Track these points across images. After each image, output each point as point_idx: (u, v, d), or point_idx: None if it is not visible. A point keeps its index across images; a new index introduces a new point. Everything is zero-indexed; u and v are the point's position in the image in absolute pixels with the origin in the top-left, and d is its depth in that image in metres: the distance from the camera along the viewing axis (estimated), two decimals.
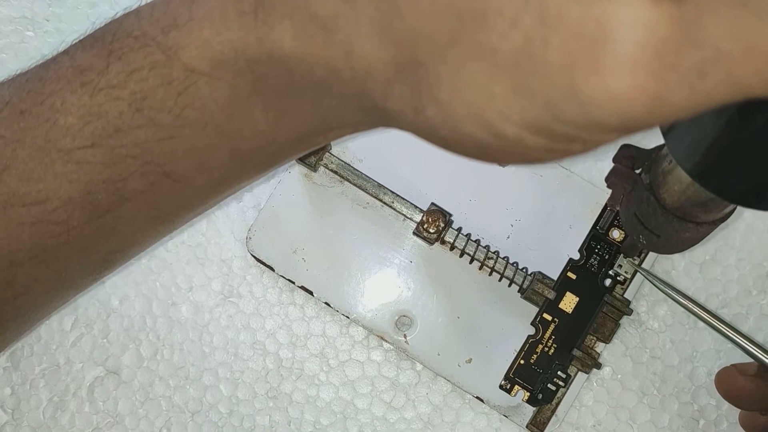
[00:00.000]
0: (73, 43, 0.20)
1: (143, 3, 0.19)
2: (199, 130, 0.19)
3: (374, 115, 0.18)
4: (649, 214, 0.23)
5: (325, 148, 0.32)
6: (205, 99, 0.18)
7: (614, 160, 0.24)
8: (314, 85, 0.17)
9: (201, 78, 0.18)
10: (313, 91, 0.18)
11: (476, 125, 0.15)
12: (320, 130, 0.20)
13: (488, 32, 0.14)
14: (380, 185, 0.32)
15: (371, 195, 0.32)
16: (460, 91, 0.15)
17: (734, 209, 0.22)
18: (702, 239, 0.23)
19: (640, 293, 0.33)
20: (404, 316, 0.33)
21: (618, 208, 0.26)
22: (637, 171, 0.24)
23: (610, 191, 0.25)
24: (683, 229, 0.23)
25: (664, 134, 0.19)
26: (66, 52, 0.20)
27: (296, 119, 0.19)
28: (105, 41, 0.19)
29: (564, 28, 0.13)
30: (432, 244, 0.32)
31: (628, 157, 0.24)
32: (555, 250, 0.32)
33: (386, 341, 0.32)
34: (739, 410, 0.32)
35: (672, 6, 0.13)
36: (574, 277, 0.32)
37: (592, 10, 0.13)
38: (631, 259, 0.32)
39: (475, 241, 0.32)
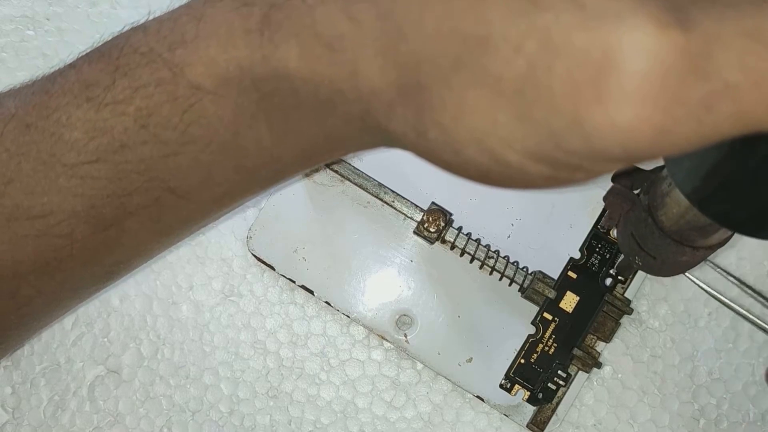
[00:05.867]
0: (80, 55, 0.20)
1: (150, 16, 0.19)
2: (204, 146, 0.19)
3: (378, 136, 0.18)
4: (646, 235, 0.23)
5: None
6: (210, 116, 0.18)
7: (613, 179, 0.24)
8: (319, 104, 0.17)
9: (206, 95, 0.18)
10: (317, 110, 0.18)
11: (478, 151, 0.15)
12: (325, 149, 0.20)
13: (492, 58, 0.14)
14: (381, 184, 0.32)
15: (372, 194, 0.32)
16: (463, 116, 0.15)
17: (732, 235, 0.22)
18: (698, 264, 0.23)
19: (640, 292, 0.33)
20: (405, 315, 0.33)
21: (615, 228, 0.25)
22: (636, 191, 0.24)
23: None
24: (680, 252, 0.22)
25: (665, 157, 0.19)
26: (72, 65, 0.19)
27: (301, 137, 0.19)
28: (111, 56, 0.19)
29: (568, 56, 0.13)
30: (432, 243, 0.32)
31: (626, 177, 0.23)
32: (555, 249, 0.32)
33: (387, 340, 0.32)
34: (739, 410, 0.32)
35: (680, 35, 0.12)
36: (574, 276, 0.32)
37: (598, 38, 0.13)
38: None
39: (475, 241, 0.32)
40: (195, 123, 0.18)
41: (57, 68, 0.20)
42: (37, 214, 0.19)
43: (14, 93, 0.20)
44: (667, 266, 0.24)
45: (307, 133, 0.19)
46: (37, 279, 0.21)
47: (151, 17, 0.19)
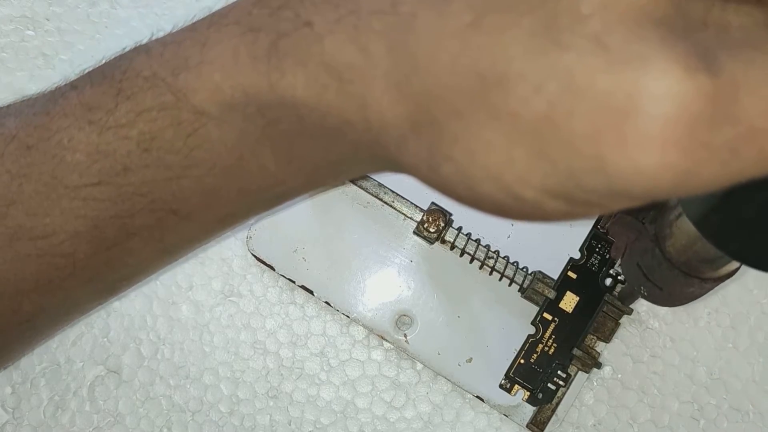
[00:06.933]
0: (81, 75, 0.20)
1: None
2: (207, 170, 0.19)
3: (387, 164, 0.17)
4: (653, 266, 0.22)
5: None
6: (215, 141, 0.18)
7: None
8: (326, 132, 0.17)
9: (211, 120, 0.18)
10: (324, 138, 0.17)
11: (494, 187, 0.15)
12: (330, 174, 0.19)
13: (510, 96, 0.13)
14: (381, 184, 0.32)
15: (371, 194, 0.32)
16: (477, 152, 0.14)
17: (740, 266, 0.21)
18: (704, 294, 0.23)
19: None
20: (404, 315, 0.33)
21: (619, 258, 0.25)
22: (642, 220, 0.23)
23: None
24: (688, 284, 0.22)
25: None
26: (74, 86, 0.19)
27: (306, 163, 0.19)
28: (114, 79, 0.18)
29: (591, 99, 0.13)
30: (432, 243, 0.32)
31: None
32: (555, 249, 0.32)
33: (386, 340, 0.32)
34: (739, 410, 0.32)
35: (707, 80, 0.12)
36: (574, 276, 0.31)
37: (622, 82, 0.12)
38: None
39: (475, 241, 0.32)
40: (198, 147, 0.18)
41: (58, 85, 0.20)
42: (39, 234, 0.19)
43: (15, 112, 0.20)
44: (673, 297, 0.23)
45: (312, 158, 0.18)
46: (40, 296, 0.21)
47: (154, 37, 0.19)
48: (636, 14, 0.13)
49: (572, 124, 0.13)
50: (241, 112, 0.17)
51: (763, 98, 0.12)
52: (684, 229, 0.20)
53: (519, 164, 0.14)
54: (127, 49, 0.19)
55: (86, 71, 0.20)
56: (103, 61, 0.19)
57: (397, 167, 0.17)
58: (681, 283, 0.22)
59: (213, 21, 0.18)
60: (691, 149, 0.12)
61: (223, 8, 0.18)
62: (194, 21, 0.18)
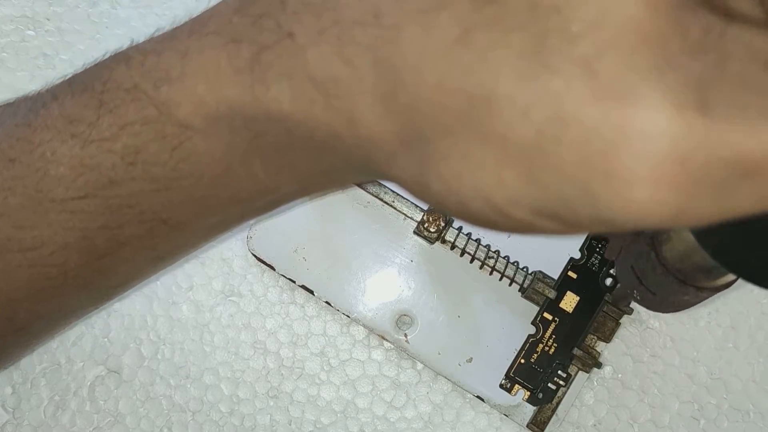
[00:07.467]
0: (62, 83, 0.19)
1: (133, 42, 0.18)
2: (196, 181, 0.18)
3: (378, 175, 0.17)
4: (647, 270, 0.22)
5: None
6: (201, 153, 0.18)
7: None
8: (316, 144, 0.17)
9: (196, 134, 0.17)
10: (315, 150, 0.17)
11: (483, 205, 0.14)
12: (324, 182, 0.19)
13: (497, 119, 0.13)
14: (381, 184, 0.32)
15: (371, 194, 0.32)
16: (466, 171, 0.14)
17: (737, 278, 0.21)
18: (699, 303, 0.22)
19: None
20: (405, 315, 0.33)
21: (614, 258, 0.24)
22: None
23: None
24: (682, 291, 0.21)
25: None
26: (55, 96, 0.19)
27: (298, 172, 0.18)
28: (95, 90, 0.18)
29: (578, 129, 0.12)
30: (432, 243, 0.32)
31: None
32: (556, 249, 0.32)
33: (387, 340, 0.32)
34: (739, 410, 0.32)
35: (698, 118, 0.12)
36: (574, 276, 0.32)
37: (611, 116, 0.12)
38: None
39: (475, 240, 0.32)
40: (185, 160, 0.18)
41: (39, 92, 0.20)
42: (28, 246, 0.19)
43: None
44: (666, 303, 0.23)
45: (303, 169, 0.18)
46: (33, 304, 0.21)
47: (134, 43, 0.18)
48: (629, 35, 0.12)
49: (560, 151, 0.13)
50: (227, 125, 0.17)
51: (757, 137, 0.12)
52: (683, 237, 0.20)
53: (509, 185, 0.14)
54: (107, 56, 0.19)
55: (66, 78, 0.19)
56: (83, 68, 0.19)
57: (389, 178, 0.17)
58: (675, 290, 0.21)
59: (193, 29, 0.17)
60: (683, 187, 0.12)
61: (203, 14, 0.17)
62: (174, 27, 0.18)
